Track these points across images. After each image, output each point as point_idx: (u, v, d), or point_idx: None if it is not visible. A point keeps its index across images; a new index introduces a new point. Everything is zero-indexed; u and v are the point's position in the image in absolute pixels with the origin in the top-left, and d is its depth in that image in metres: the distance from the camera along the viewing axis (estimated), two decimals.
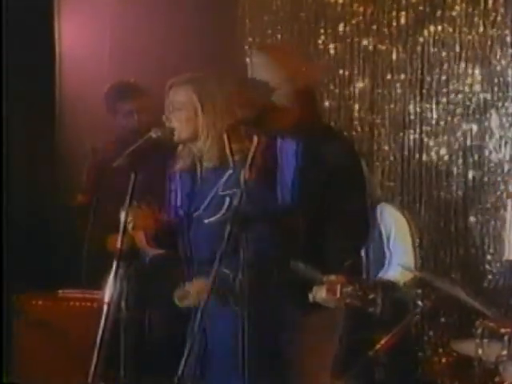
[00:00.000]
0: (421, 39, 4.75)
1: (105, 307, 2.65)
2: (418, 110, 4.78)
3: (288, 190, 2.73)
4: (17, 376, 3.82)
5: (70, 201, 4.35)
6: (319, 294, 2.55)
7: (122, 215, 2.75)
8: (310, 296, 2.58)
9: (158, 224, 2.94)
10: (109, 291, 2.66)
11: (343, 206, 2.69)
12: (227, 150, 2.78)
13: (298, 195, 2.72)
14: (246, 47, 4.91)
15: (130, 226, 2.79)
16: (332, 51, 4.88)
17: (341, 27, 4.85)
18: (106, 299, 2.66)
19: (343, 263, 2.61)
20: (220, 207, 2.83)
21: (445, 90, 4.72)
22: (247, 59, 2.80)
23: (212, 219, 2.84)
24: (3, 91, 4.19)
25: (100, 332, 2.61)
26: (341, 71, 4.86)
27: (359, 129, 4.87)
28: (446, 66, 4.72)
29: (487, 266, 4.66)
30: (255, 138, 2.66)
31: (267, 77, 2.73)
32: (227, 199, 2.81)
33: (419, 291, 4.21)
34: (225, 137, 2.72)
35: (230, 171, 2.83)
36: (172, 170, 2.99)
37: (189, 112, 2.87)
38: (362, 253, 2.92)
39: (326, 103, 4.79)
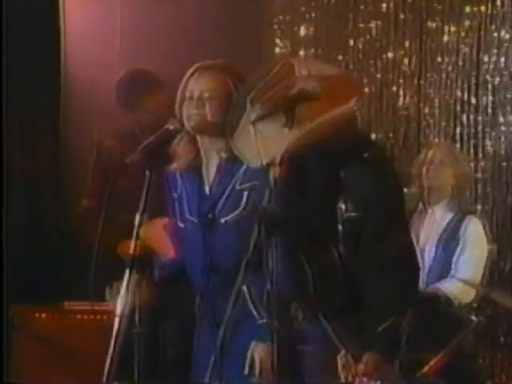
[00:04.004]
0: (476, 15, 4.77)
1: (116, 321, 2.69)
2: (473, 97, 4.80)
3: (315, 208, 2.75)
4: None
5: (75, 206, 4.43)
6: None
7: (137, 219, 2.81)
8: None
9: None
10: (121, 303, 2.69)
11: (382, 242, 2.68)
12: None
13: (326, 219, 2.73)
14: (275, 27, 4.96)
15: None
16: (374, 30, 4.91)
17: (384, 3, 4.89)
18: (118, 312, 2.69)
19: (383, 321, 2.64)
20: (238, 203, 2.91)
21: (505, 74, 4.75)
22: None
23: (229, 217, 2.93)
24: (3, 84, 4.24)
25: (111, 349, 2.65)
26: (383, 53, 4.91)
27: (404, 119, 4.91)
28: (505, 47, 4.75)
29: None
30: (286, 130, 2.72)
31: None
32: (245, 193, 2.90)
33: (474, 305, 4.23)
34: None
35: None
36: (168, 171, 3.04)
37: (222, 99, 2.92)
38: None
39: (366, 89, 4.81)
